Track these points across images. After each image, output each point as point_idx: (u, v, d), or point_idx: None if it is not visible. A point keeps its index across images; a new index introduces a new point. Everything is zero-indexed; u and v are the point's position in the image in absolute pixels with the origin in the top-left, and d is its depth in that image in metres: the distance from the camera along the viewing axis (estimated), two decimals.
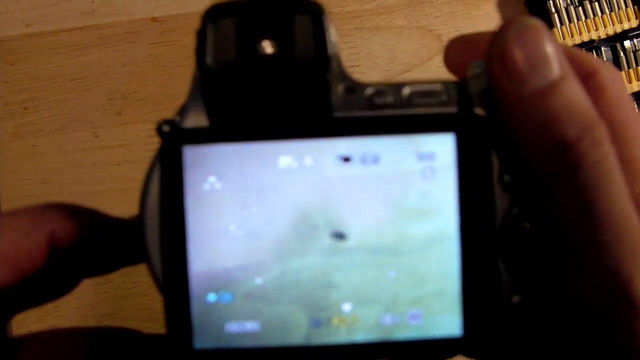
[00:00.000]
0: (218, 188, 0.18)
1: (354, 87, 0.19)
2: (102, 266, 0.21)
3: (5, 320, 0.20)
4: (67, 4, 0.47)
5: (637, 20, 0.49)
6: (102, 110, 0.46)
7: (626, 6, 0.49)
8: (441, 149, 0.18)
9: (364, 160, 0.18)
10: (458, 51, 0.22)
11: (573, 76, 0.17)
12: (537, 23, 0.17)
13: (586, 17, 0.48)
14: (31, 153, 0.46)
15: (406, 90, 0.19)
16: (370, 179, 0.18)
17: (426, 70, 0.48)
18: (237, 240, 0.18)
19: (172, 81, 0.47)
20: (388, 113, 0.19)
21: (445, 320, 0.19)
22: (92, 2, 0.47)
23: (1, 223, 0.19)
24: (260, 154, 0.18)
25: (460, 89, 0.19)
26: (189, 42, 0.47)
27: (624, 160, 0.18)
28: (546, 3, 0.48)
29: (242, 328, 0.18)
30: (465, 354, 0.19)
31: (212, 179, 0.18)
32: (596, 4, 0.48)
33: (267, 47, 0.18)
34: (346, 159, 0.18)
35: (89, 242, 0.20)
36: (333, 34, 0.18)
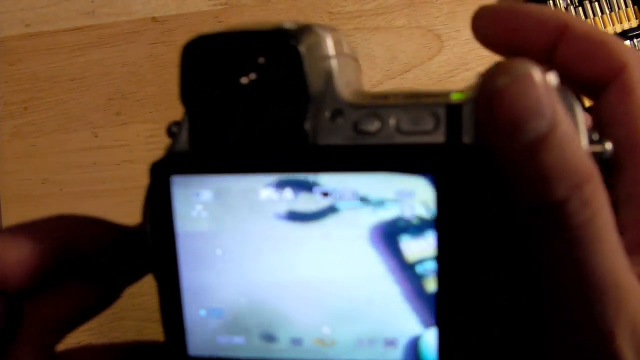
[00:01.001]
0: (204, 216, 0.19)
1: (341, 111, 0.18)
2: (130, 274, 0.22)
3: (54, 341, 0.21)
4: (67, 4, 0.47)
5: (637, 20, 0.49)
6: (102, 110, 0.46)
7: (626, 6, 0.49)
8: (421, 187, 0.18)
9: (342, 196, 0.18)
10: (487, 23, 0.20)
11: (565, 122, 0.16)
12: (530, 69, 0.16)
13: (586, 17, 0.48)
14: (31, 153, 0.46)
15: (393, 119, 0.18)
16: (350, 219, 0.18)
17: (426, 70, 0.48)
18: (223, 263, 0.19)
19: (172, 81, 0.46)
20: (371, 142, 0.18)
21: (423, 352, 0.18)
22: (92, 2, 0.47)
23: (13, 232, 0.20)
24: (242, 186, 0.19)
25: (450, 115, 0.18)
26: None
27: None
28: (546, 3, 0.48)
29: (230, 341, 0.20)
30: None
31: (198, 207, 0.19)
32: (596, 4, 0.48)
33: (246, 78, 0.18)
34: (325, 194, 0.18)
35: (104, 248, 0.21)
36: (329, 47, 0.18)
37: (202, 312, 0.20)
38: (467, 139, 0.18)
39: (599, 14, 0.48)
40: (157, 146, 0.49)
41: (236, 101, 0.18)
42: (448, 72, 0.48)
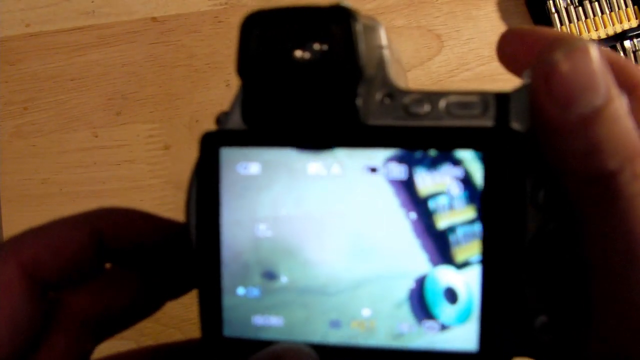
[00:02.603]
0: (251, 189, 0.19)
1: (392, 94, 0.19)
2: (173, 279, 0.22)
3: (88, 340, 0.21)
4: (67, 4, 0.47)
5: (637, 20, 0.49)
6: (102, 110, 0.46)
7: (626, 6, 0.49)
8: (467, 163, 0.18)
9: (389, 172, 0.19)
10: (512, 45, 0.21)
11: (619, 98, 0.16)
12: (586, 44, 0.16)
13: (586, 17, 0.48)
14: (31, 153, 0.46)
15: (443, 101, 0.19)
16: (397, 190, 0.19)
17: (426, 70, 0.48)
18: (266, 240, 0.19)
19: (172, 81, 0.47)
20: (421, 124, 0.19)
21: (462, 334, 0.19)
22: (92, 2, 0.47)
23: (51, 223, 0.20)
24: (291, 159, 0.19)
25: (499, 102, 0.18)
26: (189, 42, 0.47)
27: None
28: (546, 3, 0.48)
29: (267, 322, 0.20)
30: None
31: (245, 180, 0.19)
32: (596, 4, 0.48)
33: (302, 54, 0.18)
34: (373, 170, 0.19)
35: (146, 242, 0.21)
36: (382, 37, 0.19)
37: (241, 290, 0.20)
38: (515, 125, 0.18)
39: (599, 14, 0.48)
40: (157, 146, 0.49)
41: (291, 76, 0.18)
42: (448, 72, 0.48)
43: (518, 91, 0.18)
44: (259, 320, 0.20)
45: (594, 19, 0.48)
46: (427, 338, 0.19)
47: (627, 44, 0.48)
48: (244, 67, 0.19)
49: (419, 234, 0.19)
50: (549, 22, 0.48)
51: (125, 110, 0.46)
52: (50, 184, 0.46)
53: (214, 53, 0.47)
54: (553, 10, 0.48)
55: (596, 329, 0.17)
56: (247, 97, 0.19)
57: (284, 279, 0.19)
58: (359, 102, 0.18)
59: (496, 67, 0.51)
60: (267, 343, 0.19)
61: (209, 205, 0.19)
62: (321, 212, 0.19)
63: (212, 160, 0.19)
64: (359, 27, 0.18)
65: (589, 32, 0.48)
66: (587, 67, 0.16)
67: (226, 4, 0.47)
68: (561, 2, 0.48)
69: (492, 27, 0.49)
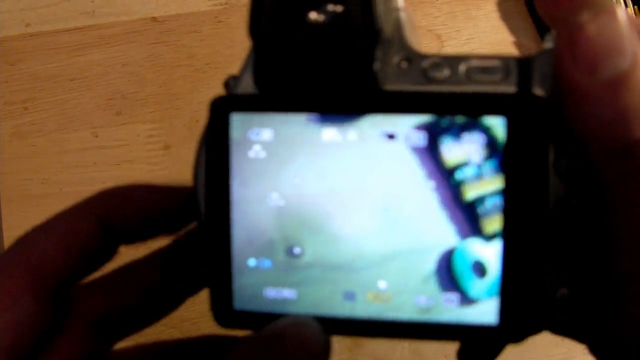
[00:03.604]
0: (262, 156, 0.18)
1: (410, 58, 0.18)
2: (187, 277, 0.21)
3: (104, 344, 0.21)
4: (67, 4, 0.47)
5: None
6: (102, 110, 0.46)
7: (626, 6, 0.49)
8: (494, 130, 0.17)
9: (408, 138, 0.18)
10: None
11: None
12: (613, 5, 0.15)
13: None
14: (31, 153, 0.46)
15: (463, 66, 0.18)
16: (420, 158, 0.18)
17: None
18: (278, 208, 0.19)
19: (172, 81, 0.47)
20: (441, 89, 0.18)
21: (482, 307, 0.18)
22: (92, 2, 0.47)
23: (54, 218, 0.20)
24: (305, 126, 0.18)
25: (521, 67, 0.18)
26: (189, 42, 0.47)
27: None
28: None
29: (280, 294, 0.19)
30: (500, 343, 0.19)
31: (256, 147, 0.18)
32: None
33: (317, 16, 0.18)
34: (391, 136, 0.18)
35: (152, 216, 0.20)
36: (395, 1, 0.18)
37: (252, 262, 0.19)
38: (538, 90, 0.17)
39: None
40: (157, 146, 0.49)
41: (305, 38, 0.18)
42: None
43: (540, 55, 0.17)
44: (271, 292, 0.19)
45: None
46: (446, 311, 0.18)
47: None
48: (256, 28, 0.18)
49: (446, 205, 0.18)
50: None
51: (125, 110, 0.46)
52: (50, 184, 0.46)
53: (214, 53, 0.47)
54: None
55: (623, 303, 0.17)
56: (260, 60, 0.18)
57: (298, 251, 0.19)
58: (377, 66, 0.18)
59: None
60: (279, 316, 0.18)
61: (219, 173, 0.19)
62: (339, 182, 0.18)
63: (222, 126, 0.19)
64: None
65: None
66: (614, 29, 0.15)
67: (226, 4, 0.47)
68: None
69: (492, 27, 0.49)
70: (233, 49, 0.47)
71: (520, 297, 0.18)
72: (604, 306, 0.17)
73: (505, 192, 0.17)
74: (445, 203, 0.18)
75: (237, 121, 0.19)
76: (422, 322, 0.18)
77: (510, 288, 0.18)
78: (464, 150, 0.18)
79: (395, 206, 0.18)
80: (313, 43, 0.18)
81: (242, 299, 0.19)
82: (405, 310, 0.18)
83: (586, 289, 0.17)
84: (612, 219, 0.16)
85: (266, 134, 0.18)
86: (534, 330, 0.18)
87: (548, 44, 0.17)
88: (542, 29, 0.47)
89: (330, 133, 0.18)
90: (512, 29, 0.49)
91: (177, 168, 0.45)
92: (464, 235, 0.18)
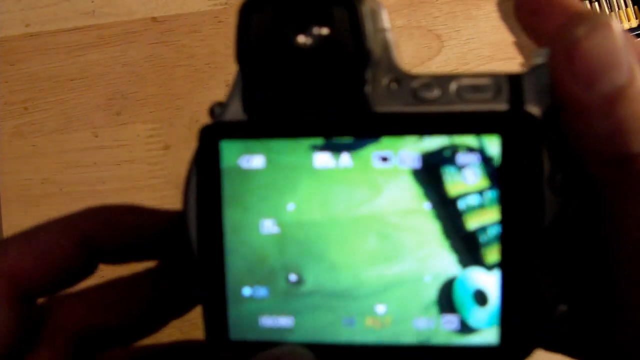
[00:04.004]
0: (255, 184, 0.18)
1: (399, 80, 0.18)
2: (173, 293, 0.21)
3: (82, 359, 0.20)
4: (67, 4, 0.47)
5: (637, 20, 0.49)
6: (102, 110, 0.46)
7: (626, 6, 0.49)
8: (486, 149, 0.17)
9: (402, 162, 0.18)
10: (530, 9, 0.20)
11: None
12: (609, 20, 0.15)
13: None
14: (31, 153, 0.46)
15: (454, 85, 0.18)
16: (414, 181, 0.18)
17: (426, 70, 0.48)
18: (272, 236, 0.18)
19: (172, 81, 0.47)
20: (432, 109, 0.18)
21: (482, 328, 0.18)
22: (92, 2, 0.47)
23: (37, 229, 0.19)
24: (296, 151, 0.18)
25: (512, 84, 0.17)
26: (189, 42, 0.47)
27: None
28: None
29: (276, 323, 0.19)
30: None
31: (248, 174, 0.18)
32: (596, 4, 0.48)
33: (304, 40, 0.17)
34: (384, 159, 0.18)
35: (136, 239, 0.20)
36: (384, 20, 0.18)
37: (247, 291, 0.18)
38: (530, 107, 0.17)
39: None
40: (157, 146, 0.49)
41: (294, 62, 0.17)
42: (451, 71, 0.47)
43: (531, 72, 0.17)
44: (267, 321, 0.19)
45: None
46: (446, 335, 0.18)
47: None
48: (243, 53, 0.18)
49: (447, 234, 0.18)
50: None
51: (125, 110, 0.46)
52: (50, 184, 0.46)
53: (214, 53, 0.47)
54: None
55: (623, 315, 0.17)
56: (248, 85, 0.18)
57: (297, 279, 0.18)
58: (368, 88, 0.17)
59: (496, 67, 0.51)
60: (276, 345, 0.18)
61: (211, 201, 0.18)
62: (335, 207, 0.18)
63: (212, 154, 0.18)
64: (364, 9, 0.17)
65: None
66: (610, 44, 0.15)
67: (226, 4, 0.47)
68: None
69: (492, 27, 0.49)
70: (233, 49, 0.47)
71: (519, 316, 0.18)
72: (605, 317, 0.17)
73: (502, 211, 0.17)
74: (446, 232, 0.18)
75: (227, 148, 0.18)
76: (422, 345, 0.18)
77: (510, 307, 0.18)
78: (464, 179, 0.18)
79: (395, 233, 0.18)
80: (302, 67, 0.17)
81: (238, 328, 0.19)
82: (405, 335, 0.18)
83: (586, 301, 0.17)
84: (611, 230, 0.16)
85: (257, 161, 0.18)
86: (534, 347, 0.18)
87: (537, 59, 0.17)
88: None
89: (322, 158, 0.18)
90: (512, 29, 0.49)
91: (177, 168, 0.45)
92: (465, 264, 0.18)
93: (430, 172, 0.18)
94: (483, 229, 0.18)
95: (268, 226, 0.18)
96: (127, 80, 0.47)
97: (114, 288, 0.21)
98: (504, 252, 0.17)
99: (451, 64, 0.48)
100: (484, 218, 0.18)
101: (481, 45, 0.48)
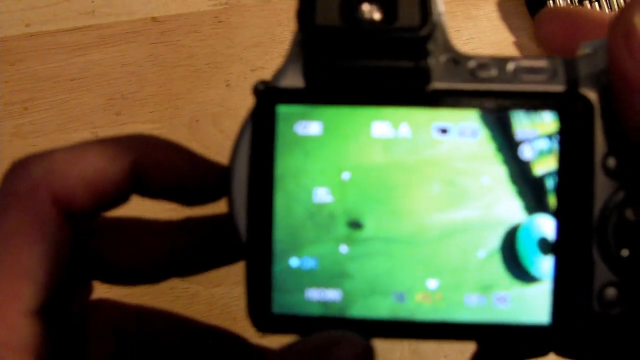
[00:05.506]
0: (309, 150, 0.18)
1: (457, 59, 0.18)
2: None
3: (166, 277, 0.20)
4: (67, 4, 0.47)
5: None
6: (102, 110, 0.46)
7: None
8: (543, 128, 0.18)
9: (462, 133, 0.18)
10: (551, 26, 0.21)
11: None
12: None
13: None
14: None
15: (511, 65, 0.18)
16: (469, 150, 0.18)
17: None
18: (325, 205, 0.18)
19: (172, 81, 0.47)
20: (490, 87, 0.18)
21: (533, 307, 0.18)
22: (92, 2, 0.47)
23: (87, 147, 0.19)
24: (355, 119, 0.18)
25: (568, 68, 0.18)
26: (189, 42, 0.47)
27: None
28: (546, 3, 0.48)
29: (323, 296, 0.18)
30: (551, 345, 0.19)
31: (303, 139, 0.18)
32: (596, 4, 0.48)
33: (370, 12, 0.17)
34: (444, 131, 0.18)
35: (177, 177, 0.19)
36: (439, 4, 0.18)
37: (294, 262, 0.18)
38: (584, 91, 0.18)
39: None
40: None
41: (358, 32, 0.17)
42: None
43: (584, 58, 0.18)
44: (313, 294, 0.18)
45: None
46: (496, 312, 0.18)
47: None
48: (307, 22, 0.17)
49: (514, 180, 0.18)
50: None
51: (125, 110, 0.46)
52: None
53: (214, 53, 0.47)
54: None
55: None
56: (310, 52, 0.18)
57: (345, 250, 0.18)
58: (429, 61, 0.18)
59: None
60: (324, 319, 0.18)
61: (263, 168, 0.18)
62: (390, 178, 0.18)
63: (268, 118, 0.18)
64: None
65: None
66: None
67: (226, 4, 0.47)
68: (561, 2, 0.48)
69: (492, 27, 0.49)
70: (233, 49, 0.47)
71: (572, 296, 0.18)
72: None
73: (558, 189, 0.18)
74: (513, 177, 0.18)
75: (284, 113, 0.18)
76: (473, 323, 0.18)
77: (563, 287, 0.18)
78: (534, 126, 0.18)
79: (461, 179, 0.18)
80: (365, 37, 0.17)
81: (283, 302, 0.18)
82: (455, 312, 0.18)
83: (636, 288, 0.18)
84: None
85: (314, 127, 0.18)
86: (584, 329, 0.18)
87: (586, 49, 0.18)
88: None
89: (381, 127, 0.18)
90: (512, 29, 0.49)
91: None
92: (531, 210, 0.18)
93: (499, 118, 0.18)
94: (549, 175, 0.18)
95: (321, 195, 0.18)
96: (127, 80, 0.47)
97: (143, 229, 0.20)
98: (558, 233, 0.17)
99: None
100: (551, 164, 0.18)
101: (481, 45, 0.48)
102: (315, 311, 0.18)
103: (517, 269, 0.18)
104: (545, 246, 0.18)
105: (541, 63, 0.18)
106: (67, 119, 0.46)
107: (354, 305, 0.18)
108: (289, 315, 0.18)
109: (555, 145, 0.18)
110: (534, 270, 0.18)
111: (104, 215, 0.20)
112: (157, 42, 0.47)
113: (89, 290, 0.20)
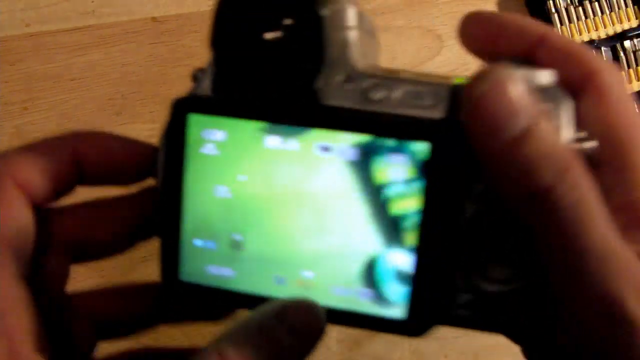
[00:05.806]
0: (214, 153, 0.21)
1: (352, 78, 0.20)
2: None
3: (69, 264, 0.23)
4: (67, 4, 0.47)
5: (637, 20, 0.49)
6: (102, 110, 0.46)
7: (626, 6, 0.49)
8: (417, 154, 0.19)
9: (342, 153, 0.20)
10: (473, 28, 0.22)
11: (544, 118, 0.17)
12: (501, 76, 0.17)
13: (586, 17, 0.48)
14: None
15: (398, 89, 0.20)
16: (346, 168, 0.20)
17: (426, 70, 0.48)
18: (225, 200, 0.21)
19: (172, 81, 0.47)
20: (375, 110, 0.20)
21: (396, 302, 0.20)
22: (92, 2, 0.47)
23: (34, 144, 0.23)
24: (251, 130, 0.21)
25: (452, 94, 0.19)
26: (189, 42, 0.47)
27: (624, 168, 0.18)
28: (546, 3, 0.48)
29: (220, 272, 0.22)
30: (408, 336, 0.21)
31: (209, 145, 0.21)
32: (596, 4, 0.48)
33: (271, 33, 0.20)
34: (326, 149, 0.20)
35: (117, 167, 0.23)
36: (345, 21, 0.19)
37: (198, 242, 0.22)
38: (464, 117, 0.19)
39: (599, 14, 0.48)
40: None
41: (259, 54, 0.20)
42: (448, 72, 0.47)
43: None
44: (213, 269, 0.22)
45: (594, 19, 0.48)
46: (363, 304, 0.21)
47: (627, 44, 0.48)
48: (217, 41, 0.21)
49: (373, 217, 0.20)
50: (549, 22, 0.48)
51: (125, 110, 0.46)
52: None
53: None
54: (553, 10, 0.48)
55: (562, 329, 0.18)
56: (218, 68, 0.21)
57: (240, 239, 0.21)
58: (319, 83, 0.20)
59: None
60: (219, 291, 0.21)
61: (174, 165, 0.21)
62: (279, 183, 0.21)
63: (180, 125, 0.21)
64: (324, 16, 0.19)
65: (589, 32, 0.48)
66: (510, 95, 0.17)
67: None
68: (561, 2, 0.48)
69: None
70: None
71: (425, 300, 0.20)
72: (545, 320, 0.19)
73: (424, 207, 0.19)
74: (372, 215, 0.20)
75: (194, 121, 0.21)
76: (339, 309, 0.21)
77: (420, 288, 0.20)
78: (392, 170, 0.20)
79: (327, 212, 0.20)
80: (265, 59, 0.20)
81: (187, 272, 0.22)
82: (327, 298, 0.21)
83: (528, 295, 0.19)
84: (539, 252, 0.18)
85: (219, 135, 0.21)
86: (433, 325, 0.20)
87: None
88: None
89: (273, 139, 0.21)
90: None
91: None
92: (387, 245, 0.20)
93: (362, 163, 0.20)
94: (405, 216, 0.20)
95: (222, 191, 0.21)
96: (127, 80, 0.47)
97: (100, 207, 0.24)
98: (422, 243, 0.20)
99: (451, 64, 0.48)
100: (406, 206, 0.20)
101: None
102: (214, 283, 0.22)
103: (374, 292, 0.21)
104: (398, 277, 0.20)
105: (426, 88, 0.19)
106: (67, 119, 0.46)
107: (245, 282, 0.21)
108: (193, 284, 0.22)
109: (419, 183, 0.19)
110: (388, 296, 0.21)
111: (63, 202, 0.23)
112: (157, 42, 0.47)
113: (66, 273, 0.23)
